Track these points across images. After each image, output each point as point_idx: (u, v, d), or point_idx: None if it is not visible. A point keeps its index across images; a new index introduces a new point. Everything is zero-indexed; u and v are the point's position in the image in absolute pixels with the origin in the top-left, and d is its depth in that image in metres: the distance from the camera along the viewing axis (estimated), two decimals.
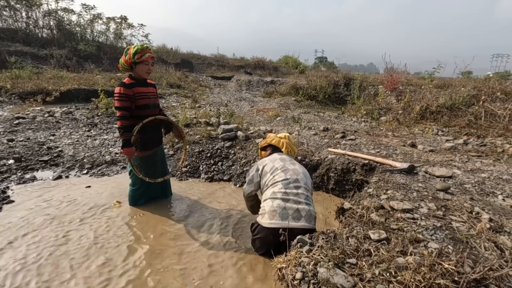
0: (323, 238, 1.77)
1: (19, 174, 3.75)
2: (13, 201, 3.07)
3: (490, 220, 2.03)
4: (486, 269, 1.45)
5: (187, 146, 4.46)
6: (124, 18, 15.20)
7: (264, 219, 2.19)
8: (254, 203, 2.67)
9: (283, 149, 2.72)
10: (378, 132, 5.50)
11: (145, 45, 2.78)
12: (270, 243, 2.16)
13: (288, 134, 2.86)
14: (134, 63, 2.73)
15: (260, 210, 2.32)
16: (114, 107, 2.80)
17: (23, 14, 13.80)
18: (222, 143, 4.57)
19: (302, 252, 1.67)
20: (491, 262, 1.52)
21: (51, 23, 14.18)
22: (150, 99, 2.90)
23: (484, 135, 4.89)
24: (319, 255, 1.63)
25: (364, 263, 1.55)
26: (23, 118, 6.00)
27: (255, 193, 2.60)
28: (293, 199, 2.21)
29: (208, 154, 4.40)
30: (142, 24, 15.79)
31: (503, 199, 2.45)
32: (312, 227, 2.15)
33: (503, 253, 1.69)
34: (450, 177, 2.92)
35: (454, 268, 1.44)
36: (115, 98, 2.69)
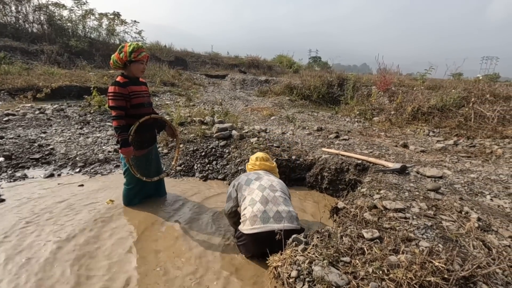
0: (317, 237, 1.80)
1: (10, 172, 3.69)
2: (3, 200, 3.02)
3: (479, 219, 2.09)
4: (474, 267, 1.50)
5: (181, 145, 4.44)
6: (117, 15, 14.96)
7: (246, 226, 2.18)
8: (236, 220, 2.55)
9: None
10: (371, 133, 5.58)
11: (140, 44, 2.75)
12: (256, 248, 2.17)
13: (262, 154, 2.85)
14: (129, 62, 2.69)
15: (242, 217, 2.30)
16: (108, 106, 2.75)
17: (13, 8, 13.44)
18: (217, 142, 4.58)
19: (297, 250, 1.70)
20: (479, 260, 1.58)
21: (42, 17, 13.85)
22: (144, 97, 2.88)
23: (474, 136, 5.01)
24: (313, 253, 1.66)
25: (357, 261, 1.59)
26: (13, 115, 5.88)
27: (235, 209, 2.53)
28: (271, 201, 2.22)
29: (203, 153, 4.40)
30: (135, 21, 15.57)
31: (491, 199, 2.53)
32: (296, 227, 2.14)
33: (490, 252, 1.75)
34: (441, 177, 2.99)
35: (444, 266, 1.49)
36: (110, 97, 2.64)
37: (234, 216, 2.56)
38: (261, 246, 2.10)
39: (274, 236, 1.91)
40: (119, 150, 2.74)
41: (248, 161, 2.90)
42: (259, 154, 2.86)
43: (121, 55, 2.67)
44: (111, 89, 2.64)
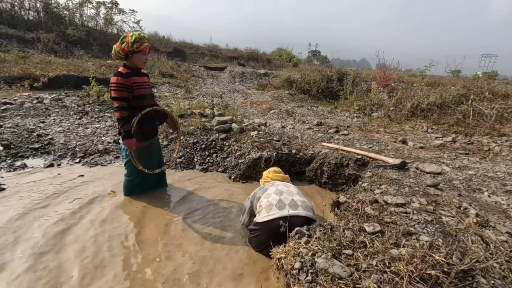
0: (320, 230, 1.83)
1: (9, 161, 3.67)
2: (3, 189, 3.01)
3: (477, 215, 2.14)
4: (473, 261, 1.54)
5: (181, 137, 4.44)
6: (114, 3, 14.70)
7: (261, 215, 2.20)
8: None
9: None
10: (370, 128, 5.61)
11: (142, 34, 2.70)
12: (270, 237, 2.04)
13: (273, 168, 2.93)
14: (131, 52, 2.65)
15: (258, 209, 2.32)
16: (110, 97, 2.72)
17: None
18: (217, 135, 4.57)
19: (300, 243, 1.73)
20: (478, 254, 1.62)
21: (38, 5, 13.58)
22: (146, 89, 2.85)
23: (472, 133, 5.06)
24: (316, 246, 1.69)
25: (359, 254, 1.62)
26: (10, 103, 5.81)
27: (252, 219, 2.50)
28: (286, 192, 2.31)
29: (203, 146, 4.40)
30: (133, 10, 15.34)
31: (489, 196, 2.57)
32: (312, 217, 2.15)
33: (488, 246, 1.79)
34: (440, 173, 3.03)
35: (444, 259, 1.52)
36: (112, 88, 2.61)
37: (250, 224, 2.56)
38: (275, 235, 1.98)
39: (290, 224, 1.93)
40: (122, 142, 2.72)
41: (262, 176, 2.94)
42: (271, 168, 2.94)
43: (123, 45, 2.62)
44: (113, 79, 2.61)
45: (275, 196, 2.28)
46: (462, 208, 2.25)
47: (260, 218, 2.21)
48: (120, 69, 2.68)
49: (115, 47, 2.66)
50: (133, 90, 2.69)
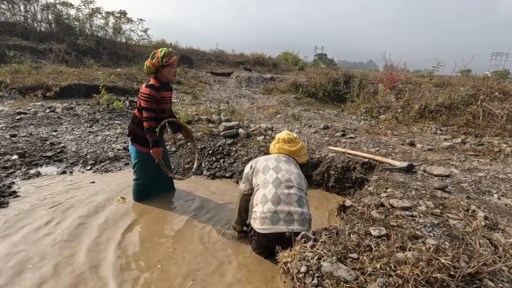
0: (326, 234, 1.84)
1: (24, 169, 3.80)
2: (19, 196, 3.13)
3: (485, 218, 2.12)
4: (480, 264, 1.53)
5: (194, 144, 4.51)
6: (123, 13, 15.08)
7: (256, 224, 2.21)
8: (246, 207, 2.55)
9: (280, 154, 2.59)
10: (377, 131, 5.58)
11: (170, 49, 2.85)
12: (265, 245, 2.24)
13: (284, 134, 2.64)
14: (161, 66, 2.80)
15: (253, 213, 2.30)
16: (140, 106, 2.85)
17: (21, 7, 13.66)
18: (224, 140, 4.63)
19: (306, 247, 1.74)
20: (485, 257, 1.60)
21: (50, 17, 14.06)
22: (167, 103, 3.05)
23: (482, 134, 4.98)
24: (322, 250, 1.70)
25: (365, 257, 1.63)
26: (25, 113, 6.02)
27: (251, 193, 2.49)
28: (284, 200, 2.17)
29: (210, 151, 4.46)
30: (141, 19, 15.67)
31: (498, 198, 2.54)
32: (306, 230, 2.00)
33: (496, 249, 1.77)
34: (448, 176, 3.01)
35: (450, 263, 1.52)
36: (143, 98, 2.76)
37: (246, 202, 2.53)
38: (269, 245, 2.21)
39: (283, 236, 1.98)
40: (150, 151, 2.85)
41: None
42: (283, 134, 2.64)
43: (153, 60, 2.78)
44: (146, 90, 2.76)
45: (270, 206, 2.15)
46: (470, 211, 2.23)
47: (255, 226, 2.21)
48: (152, 81, 2.83)
49: (147, 63, 2.83)
50: (159, 103, 2.87)
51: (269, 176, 2.32)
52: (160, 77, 2.87)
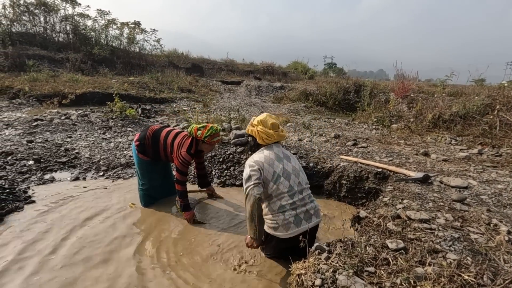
0: (341, 246, 1.79)
1: (39, 175, 3.87)
2: (34, 201, 3.18)
3: (509, 232, 2.02)
4: (506, 282, 1.45)
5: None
6: (137, 24, 15.53)
7: (279, 232, 2.17)
8: (259, 212, 2.18)
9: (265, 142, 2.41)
10: (390, 140, 5.48)
11: (219, 129, 2.92)
12: (282, 250, 2.29)
13: (273, 119, 2.47)
14: (202, 141, 2.88)
15: (271, 223, 2.21)
16: (176, 168, 2.90)
17: (41, 19, 14.24)
18: (234, 148, 4.63)
19: (320, 259, 1.70)
20: (511, 275, 1.52)
21: (68, 27, 14.60)
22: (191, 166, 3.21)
23: (499, 145, 4.82)
24: (337, 262, 1.65)
25: (382, 271, 1.57)
26: (41, 120, 6.19)
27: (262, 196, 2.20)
28: (300, 204, 2.24)
29: (221, 159, 4.46)
30: (154, 29, 16.10)
31: None
32: (320, 219, 2.37)
33: None
34: (466, 187, 2.90)
35: (474, 279, 1.45)
36: (181, 161, 2.83)
37: (259, 207, 2.19)
38: (287, 248, 2.24)
39: (305, 232, 2.04)
40: (183, 214, 2.97)
41: (252, 125, 2.50)
42: (267, 118, 2.44)
43: (198, 132, 2.85)
44: (185, 155, 2.83)
45: (291, 212, 2.16)
46: (492, 225, 2.14)
47: (277, 233, 2.20)
48: (193, 148, 2.90)
49: (193, 127, 2.88)
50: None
51: (282, 186, 2.21)
52: (199, 144, 2.94)
